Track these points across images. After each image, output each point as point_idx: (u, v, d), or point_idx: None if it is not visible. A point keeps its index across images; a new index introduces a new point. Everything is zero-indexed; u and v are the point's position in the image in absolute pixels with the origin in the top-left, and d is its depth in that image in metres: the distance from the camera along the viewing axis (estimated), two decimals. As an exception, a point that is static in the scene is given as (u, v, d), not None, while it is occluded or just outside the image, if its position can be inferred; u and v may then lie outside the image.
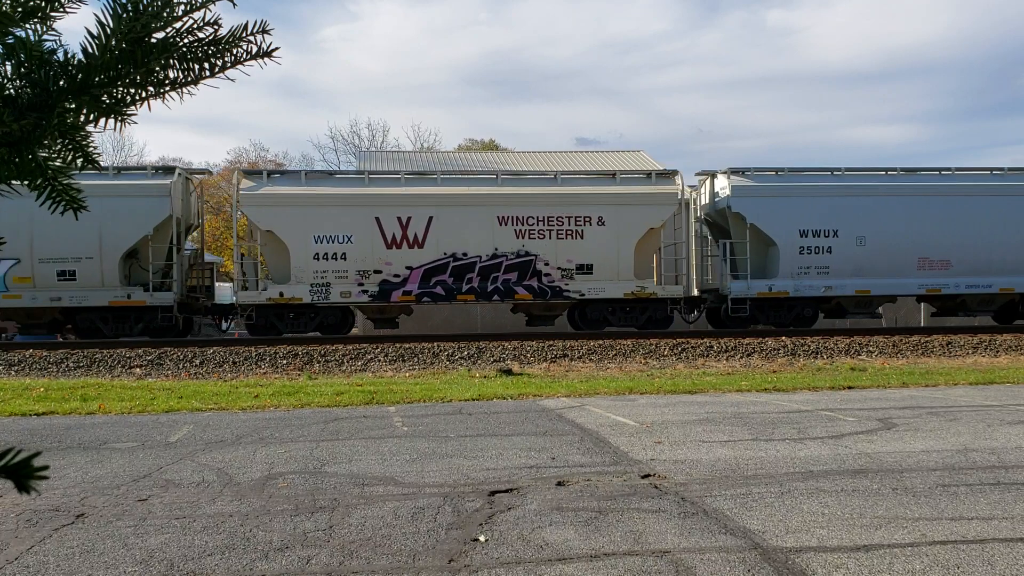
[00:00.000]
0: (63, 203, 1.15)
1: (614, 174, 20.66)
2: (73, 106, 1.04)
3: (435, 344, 17.11)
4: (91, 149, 1.13)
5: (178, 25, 1.07)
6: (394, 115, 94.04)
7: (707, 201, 21.61)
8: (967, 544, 4.30)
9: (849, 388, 12.28)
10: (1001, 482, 5.77)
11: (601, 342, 17.43)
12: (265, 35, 1.11)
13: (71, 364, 15.54)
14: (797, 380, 13.22)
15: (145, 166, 20.64)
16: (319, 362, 16.00)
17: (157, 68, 1.06)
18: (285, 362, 15.95)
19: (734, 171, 20.51)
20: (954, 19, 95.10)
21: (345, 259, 18.99)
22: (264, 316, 19.09)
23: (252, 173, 20.23)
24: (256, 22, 1.11)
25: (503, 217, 19.42)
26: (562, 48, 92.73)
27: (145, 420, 9.65)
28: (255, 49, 1.11)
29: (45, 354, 15.93)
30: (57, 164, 1.13)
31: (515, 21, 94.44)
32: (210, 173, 20.84)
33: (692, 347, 17.33)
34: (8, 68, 1.06)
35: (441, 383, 13.32)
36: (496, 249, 19.39)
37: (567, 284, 19.53)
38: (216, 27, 1.09)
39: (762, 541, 4.38)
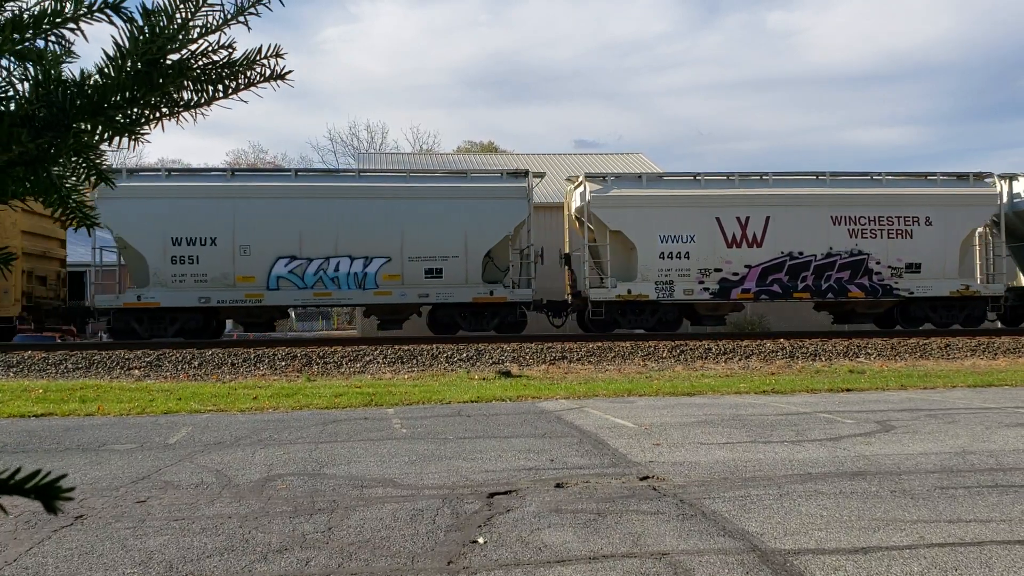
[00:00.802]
0: (76, 219, 1.17)
1: (927, 175, 21.03)
2: (88, 126, 1.06)
3: (434, 346, 17.12)
4: (104, 167, 1.15)
5: (193, 47, 1.09)
6: (393, 116, 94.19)
7: (1005, 201, 22.04)
8: (965, 546, 4.32)
9: (847, 390, 12.30)
10: (999, 484, 5.79)
11: (600, 344, 17.45)
12: (279, 59, 1.13)
13: (70, 365, 15.53)
14: (795, 382, 13.24)
15: (496, 170, 21.22)
16: (318, 364, 16.00)
17: (172, 89, 1.07)
18: (284, 364, 15.95)
19: None
20: (954, 21, 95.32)
21: (688, 258, 19.69)
22: (611, 313, 19.68)
23: (594, 176, 20.67)
24: (270, 46, 1.13)
25: (837, 217, 20.02)
26: (562, 49, 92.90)
27: (144, 422, 9.66)
28: (268, 72, 1.13)
29: (44, 355, 15.91)
30: (71, 182, 1.15)
31: (515, 22, 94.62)
32: (543, 175, 21.47)
33: (691, 349, 17.36)
34: (26, 88, 1.07)
35: (440, 385, 13.33)
36: (830, 248, 19.97)
37: (896, 283, 20.11)
38: (231, 50, 1.11)
39: (760, 543, 4.40)
